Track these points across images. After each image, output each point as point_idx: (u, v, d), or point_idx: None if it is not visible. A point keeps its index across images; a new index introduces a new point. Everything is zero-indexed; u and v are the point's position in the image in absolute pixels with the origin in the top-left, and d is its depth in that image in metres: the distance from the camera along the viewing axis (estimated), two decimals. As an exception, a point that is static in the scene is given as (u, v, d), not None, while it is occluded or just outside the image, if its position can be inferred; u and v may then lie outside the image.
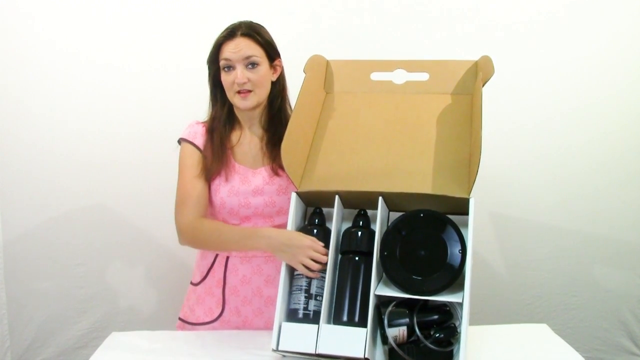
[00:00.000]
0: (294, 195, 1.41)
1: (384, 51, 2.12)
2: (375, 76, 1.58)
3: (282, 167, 1.49)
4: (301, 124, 1.48)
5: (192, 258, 1.67)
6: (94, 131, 2.10)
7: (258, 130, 1.59)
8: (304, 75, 1.50)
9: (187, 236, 1.51)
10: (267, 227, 1.47)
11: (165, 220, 2.15)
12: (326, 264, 1.35)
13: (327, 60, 1.63)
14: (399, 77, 1.56)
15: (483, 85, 1.43)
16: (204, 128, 1.57)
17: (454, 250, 1.29)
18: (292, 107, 1.53)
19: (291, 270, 1.39)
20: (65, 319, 2.17)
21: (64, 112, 2.08)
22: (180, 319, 1.64)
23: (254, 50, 1.49)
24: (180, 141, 1.57)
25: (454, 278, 1.28)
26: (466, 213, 1.31)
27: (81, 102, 2.08)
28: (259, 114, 1.58)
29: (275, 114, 1.59)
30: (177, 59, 2.09)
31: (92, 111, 2.09)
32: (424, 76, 1.56)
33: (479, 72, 1.48)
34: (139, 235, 2.17)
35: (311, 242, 1.34)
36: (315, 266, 1.33)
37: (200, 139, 1.55)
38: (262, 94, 1.53)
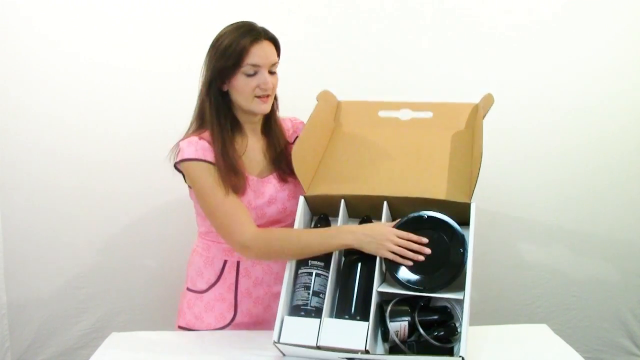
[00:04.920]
0: (301, 199, 1.45)
1: (385, 57, 2.13)
2: (383, 114, 1.67)
3: (288, 174, 1.52)
4: (312, 137, 1.55)
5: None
6: (94, 131, 2.09)
7: (259, 137, 1.59)
8: (316, 102, 1.61)
9: (257, 249, 1.43)
10: (347, 225, 1.42)
11: (165, 220, 2.16)
12: (328, 264, 1.35)
13: (338, 101, 1.73)
14: (405, 114, 1.65)
15: (484, 116, 1.51)
16: (207, 142, 1.47)
17: (456, 250, 1.31)
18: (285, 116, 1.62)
19: (295, 268, 1.40)
20: (65, 319, 2.17)
21: (64, 112, 2.08)
22: (183, 327, 1.60)
23: (276, 57, 1.50)
24: (184, 162, 1.46)
25: (455, 276, 1.30)
26: (467, 220, 1.34)
27: (81, 102, 2.08)
28: (259, 119, 1.58)
29: (272, 119, 1.59)
30: (177, 59, 2.09)
31: (93, 111, 2.09)
32: (428, 114, 1.64)
33: (479, 107, 1.56)
34: (139, 235, 2.17)
35: (391, 229, 1.35)
36: (407, 253, 1.32)
37: (210, 154, 1.46)
38: (273, 98, 1.54)
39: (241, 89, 1.46)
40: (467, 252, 1.30)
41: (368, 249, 1.34)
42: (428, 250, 1.32)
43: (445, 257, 1.32)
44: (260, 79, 1.45)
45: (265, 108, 1.50)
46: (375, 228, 1.36)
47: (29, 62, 2.04)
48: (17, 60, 2.04)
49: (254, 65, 1.44)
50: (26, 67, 2.04)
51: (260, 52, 1.44)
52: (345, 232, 1.36)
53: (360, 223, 1.44)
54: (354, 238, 1.35)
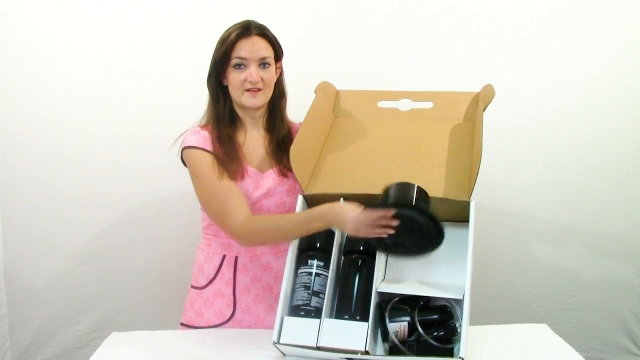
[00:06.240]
0: (300, 198, 1.45)
1: (385, 57, 2.14)
2: (382, 104, 1.67)
3: (289, 169, 1.51)
4: (310, 134, 1.54)
5: (192, 258, 1.67)
6: (94, 131, 2.09)
7: (260, 131, 1.61)
8: (314, 95, 1.59)
9: (247, 238, 1.46)
10: (323, 205, 1.36)
11: (166, 220, 2.16)
12: (328, 264, 1.36)
13: (337, 90, 1.72)
14: (405, 105, 1.64)
15: (484, 109, 1.50)
16: (207, 132, 1.53)
17: (430, 227, 1.26)
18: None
19: (295, 268, 1.40)
20: (65, 319, 2.17)
21: (64, 113, 2.08)
22: (184, 324, 1.62)
23: (268, 51, 1.52)
24: (185, 149, 1.51)
25: (439, 241, 1.27)
26: (467, 218, 1.33)
27: (81, 102, 2.08)
28: (261, 114, 1.60)
29: (277, 115, 1.61)
30: (177, 59, 2.09)
31: (93, 111, 2.09)
32: (428, 104, 1.64)
33: (480, 99, 1.56)
34: (139, 235, 2.17)
35: (357, 213, 1.27)
36: (375, 230, 1.26)
37: (209, 144, 1.51)
38: (269, 94, 1.56)
39: (232, 82, 1.52)
40: (439, 223, 1.24)
41: (342, 229, 1.35)
42: (395, 222, 1.24)
43: (424, 234, 1.27)
44: (248, 73, 1.49)
45: (255, 102, 1.53)
46: (344, 212, 1.30)
47: (29, 63, 2.04)
48: (17, 61, 2.04)
49: (241, 58, 1.49)
50: (26, 67, 2.04)
51: (247, 46, 1.49)
52: (316, 219, 1.35)
53: None
54: (327, 223, 1.34)
